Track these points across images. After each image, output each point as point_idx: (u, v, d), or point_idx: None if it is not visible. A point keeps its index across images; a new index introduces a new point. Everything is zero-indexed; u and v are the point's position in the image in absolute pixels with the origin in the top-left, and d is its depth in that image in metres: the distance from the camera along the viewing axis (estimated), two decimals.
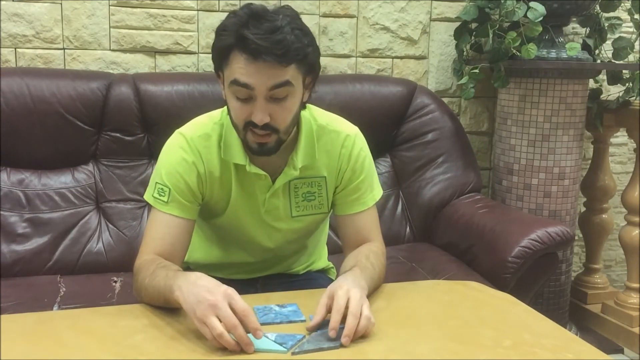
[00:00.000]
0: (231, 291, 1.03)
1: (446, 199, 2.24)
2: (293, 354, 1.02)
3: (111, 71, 2.20)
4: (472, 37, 2.37)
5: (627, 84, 2.42)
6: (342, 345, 1.04)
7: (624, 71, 2.43)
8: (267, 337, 1.06)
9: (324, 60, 2.18)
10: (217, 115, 1.36)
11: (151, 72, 2.25)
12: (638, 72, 2.36)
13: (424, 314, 1.23)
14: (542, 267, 1.93)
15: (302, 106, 1.29)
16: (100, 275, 1.89)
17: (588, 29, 2.47)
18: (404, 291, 1.34)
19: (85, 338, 1.07)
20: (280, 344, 1.04)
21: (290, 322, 1.14)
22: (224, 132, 1.32)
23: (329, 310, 1.09)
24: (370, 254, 1.32)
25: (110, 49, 2.22)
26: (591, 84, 2.49)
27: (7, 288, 1.73)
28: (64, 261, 1.91)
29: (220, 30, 1.20)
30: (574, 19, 2.44)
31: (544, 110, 2.27)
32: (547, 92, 2.26)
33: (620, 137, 2.82)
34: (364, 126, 1.46)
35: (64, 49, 2.18)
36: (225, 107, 1.36)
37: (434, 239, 2.22)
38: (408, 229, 2.27)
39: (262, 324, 1.12)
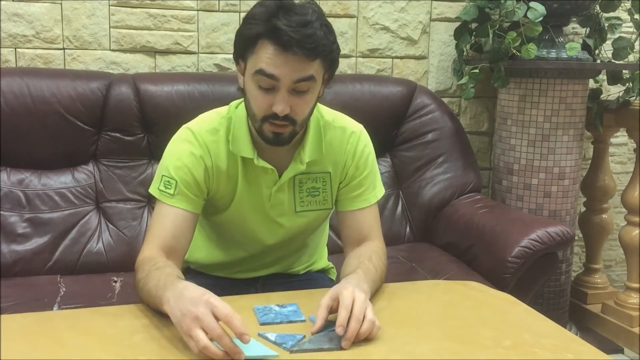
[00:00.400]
0: (213, 299, 1.00)
1: (446, 199, 2.24)
2: (292, 352, 1.02)
3: (111, 71, 2.20)
4: (472, 37, 2.37)
5: (627, 84, 2.42)
6: (342, 348, 1.03)
7: (624, 71, 2.43)
8: (267, 338, 1.06)
9: None
10: (224, 110, 1.36)
11: (151, 72, 2.25)
12: (638, 72, 2.36)
13: (424, 314, 1.23)
14: (542, 267, 1.93)
15: (317, 101, 1.30)
16: (100, 275, 1.89)
17: (588, 29, 2.47)
18: (404, 291, 1.34)
19: (85, 338, 1.07)
20: (280, 344, 1.04)
21: (290, 322, 1.14)
22: (232, 125, 1.32)
23: (330, 312, 1.09)
24: (373, 255, 1.32)
25: (110, 49, 2.22)
26: (591, 84, 2.49)
27: (7, 288, 1.72)
28: (64, 261, 1.91)
29: (249, 19, 1.20)
30: (574, 19, 2.44)
31: (544, 110, 2.27)
32: (547, 92, 2.26)
33: (620, 137, 2.82)
34: (364, 126, 1.46)
35: (64, 49, 2.18)
36: (234, 102, 1.36)
37: (434, 239, 2.22)
38: (408, 229, 2.27)
39: (262, 324, 1.12)
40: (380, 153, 2.28)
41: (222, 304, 0.99)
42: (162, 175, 1.29)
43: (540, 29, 2.14)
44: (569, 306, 2.48)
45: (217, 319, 0.98)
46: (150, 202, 2.04)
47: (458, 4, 2.49)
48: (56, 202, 1.96)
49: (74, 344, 1.06)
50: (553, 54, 2.26)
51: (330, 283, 1.58)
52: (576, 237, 2.62)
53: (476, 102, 2.62)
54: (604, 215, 2.61)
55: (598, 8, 2.37)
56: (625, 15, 2.44)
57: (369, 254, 1.31)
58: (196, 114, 1.38)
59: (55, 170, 2.00)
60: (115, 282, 1.83)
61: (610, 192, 2.59)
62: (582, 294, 2.63)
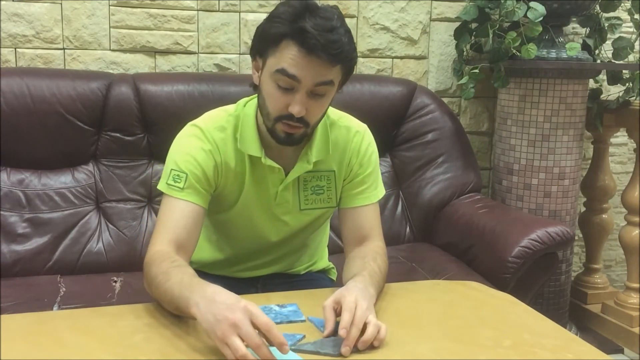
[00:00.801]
0: (251, 306, 0.97)
1: (446, 199, 2.24)
2: (292, 349, 1.01)
3: (111, 71, 2.20)
4: (472, 37, 2.37)
5: (627, 84, 2.42)
6: (341, 355, 1.01)
7: (624, 71, 2.43)
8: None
9: None
10: (231, 107, 1.36)
11: (151, 72, 2.25)
12: (638, 72, 2.36)
13: (424, 314, 1.23)
14: (542, 267, 1.93)
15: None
16: (100, 275, 1.89)
17: (588, 29, 2.47)
18: (404, 291, 1.34)
19: (85, 338, 1.07)
20: None
21: (290, 322, 1.14)
22: (239, 124, 1.32)
23: (337, 314, 1.08)
24: (377, 256, 1.31)
25: (110, 49, 2.22)
26: (591, 84, 2.49)
27: (7, 288, 1.72)
28: (64, 261, 1.91)
29: (274, 17, 1.20)
30: (574, 19, 2.44)
31: (544, 110, 2.27)
32: (547, 92, 2.26)
33: (620, 137, 2.82)
34: None
35: (64, 49, 2.18)
36: (243, 100, 1.36)
37: (434, 239, 2.22)
38: (408, 229, 2.27)
39: None
40: (380, 153, 2.23)
41: (261, 312, 0.96)
42: (171, 170, 1.27)
43: (540, 29, 2.14)
44: (569, 306, 2.48)
45: (254, 326, 0.95)
46: (150, 202, 2.05)
47: (458, 4, 2.49)
48: (56, 202, 1.96)
49: (74, 344, 1.05)
50: (553, 54, 2.26)
51: (331, 283, 1.58)
52: (576, 237, 2.62)
53: (476, 102, 2.62)
54: (604, 215, 2.61)
55: (598, 8, 2.37)
56: (625, 15, 2.44)
57: (373, 255, 1.31)
58: (196, 114, 1.37)
59: (55, 170, 2.00)
60: (115, 282, 1.83)
61: (610, 192, 2.59)
62: (582, 294, 2.63)
